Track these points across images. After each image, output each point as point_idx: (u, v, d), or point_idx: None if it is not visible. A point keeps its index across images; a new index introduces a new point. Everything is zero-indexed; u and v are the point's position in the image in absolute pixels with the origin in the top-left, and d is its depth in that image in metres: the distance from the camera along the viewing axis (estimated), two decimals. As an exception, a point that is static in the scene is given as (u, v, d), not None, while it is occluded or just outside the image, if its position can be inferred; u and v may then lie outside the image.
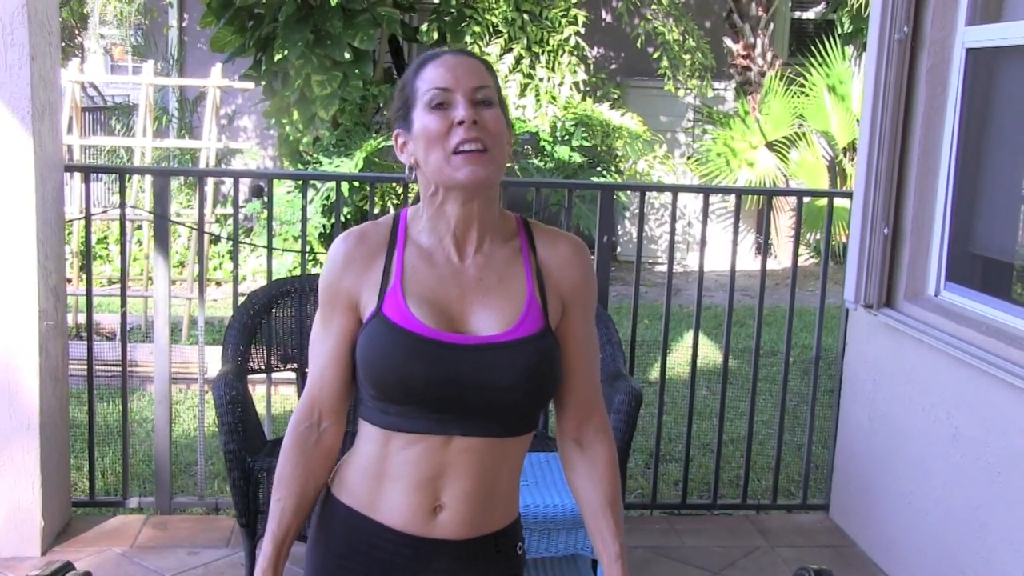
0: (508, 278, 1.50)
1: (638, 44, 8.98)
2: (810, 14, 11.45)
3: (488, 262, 1.50)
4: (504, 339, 1.45)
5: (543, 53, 8.21)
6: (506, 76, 7.97)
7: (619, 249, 9.66)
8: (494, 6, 8.04)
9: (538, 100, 8.11)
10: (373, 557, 1.50)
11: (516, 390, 1.44)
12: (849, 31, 9.79)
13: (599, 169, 8.37)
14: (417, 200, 1.54)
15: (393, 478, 1.47)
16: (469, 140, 1.42)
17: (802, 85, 8.97)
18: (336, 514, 1.53)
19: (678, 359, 5.97)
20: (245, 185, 9.16)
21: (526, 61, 8.15)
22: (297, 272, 7.14)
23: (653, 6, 8.75)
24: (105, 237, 8.42)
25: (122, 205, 3.59)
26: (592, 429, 1.58)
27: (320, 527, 1.56)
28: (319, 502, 1.58)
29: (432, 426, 1.44)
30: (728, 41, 10.14)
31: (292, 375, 3.43)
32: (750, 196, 8.12)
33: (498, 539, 1.53)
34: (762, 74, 9.77)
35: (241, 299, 3.38)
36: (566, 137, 8.17)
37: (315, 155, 7.83)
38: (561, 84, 8.22)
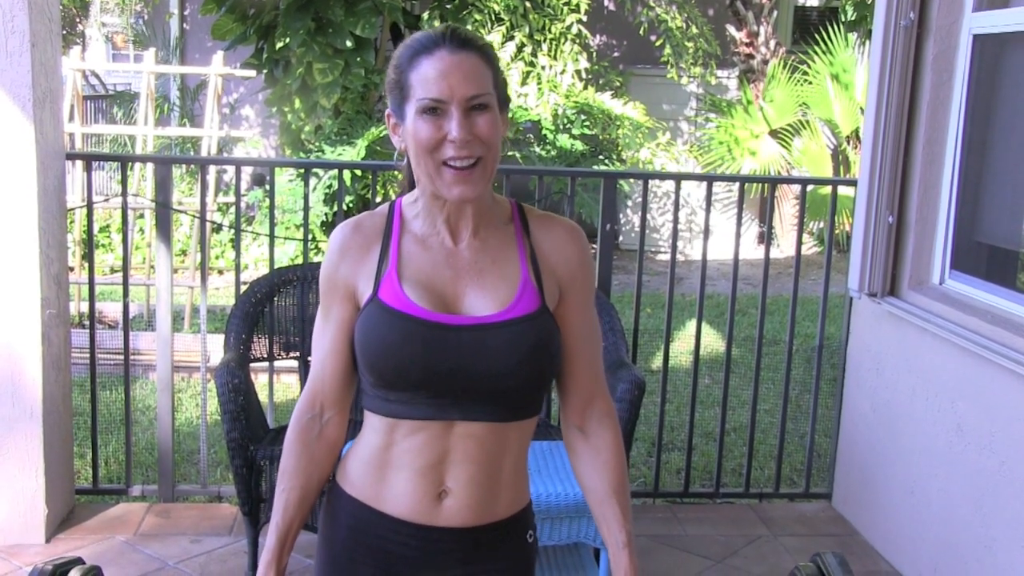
0: (503, 260, 1.49)
1: (641, 32, 8.95)
2: (813, 1, 11.40)
3: (483, 245, 1.50)
4: (499, 319, 1.44)
5: (545, 41, 8.17)
6: (508, 64, 7.94)
7: (621, 238, 9.65)
8: (495, -6, 8.01)
9: (540, 88, 8.08)
10: (380, 549, 1.50)
11: (514, 370, 1.44)
12: (853, 19, 9.75)
13: (601, 157, 8.35)
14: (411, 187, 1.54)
15: (397, 467, 1.47)
16: (460, 157, 1.40)
17: (805, 73, 8.94)
18: (342, 506, 1.53)
19: (680, 348, 5.97)
20: (247, 173, 9.16)
21: (528, 49, 8.12)
22: (299, 260, 7.15)
23: (656, -7, 8.72)
24: (107, 226, 8.42)
25: (124, 193, 3.58)
26: (596, 416, 1.57)
27: (328, 519, 1.56)
28: (326, 493, 1.58)
29: (433, 412, 1.44)
30: (731, 29, 10.10)
31: (294, 363, 3.43)
32: (753, 184, 8.10)
33: (505, 527, 1.52)
34: (765, 62, 9.73)
35: (243, 287, 3.38)
36: (568, 125, 8.14)
37: (317, 143, 7.82)
38: (563, 72, 8.19)
